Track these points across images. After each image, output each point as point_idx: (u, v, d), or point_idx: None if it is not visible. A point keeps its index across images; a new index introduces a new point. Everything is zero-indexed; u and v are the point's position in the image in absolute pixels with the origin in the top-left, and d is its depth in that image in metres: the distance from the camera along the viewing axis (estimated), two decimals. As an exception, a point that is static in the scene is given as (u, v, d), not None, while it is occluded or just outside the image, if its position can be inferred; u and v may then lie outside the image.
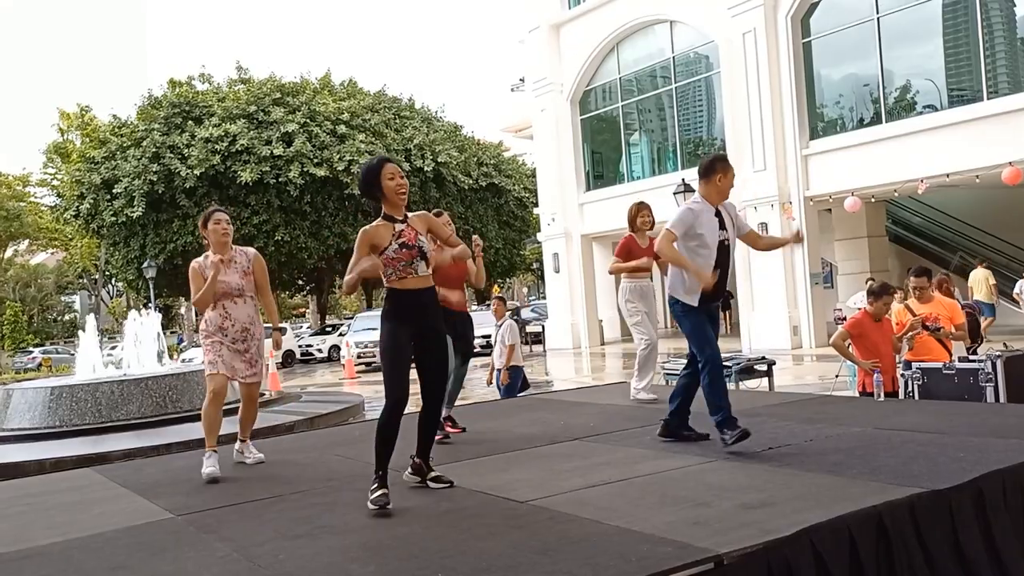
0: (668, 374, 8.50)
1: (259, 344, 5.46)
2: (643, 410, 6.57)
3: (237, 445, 5.59)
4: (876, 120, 17.93)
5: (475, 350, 6.54)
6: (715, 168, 4.96)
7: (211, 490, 4.85)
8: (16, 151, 79.68)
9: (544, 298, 31.62)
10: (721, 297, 5.08)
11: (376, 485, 4.02)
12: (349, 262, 4.18)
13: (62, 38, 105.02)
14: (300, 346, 30.41)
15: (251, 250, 5.57)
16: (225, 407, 5.55)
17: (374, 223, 4.23)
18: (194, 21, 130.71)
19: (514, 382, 8.89)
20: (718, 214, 4.94)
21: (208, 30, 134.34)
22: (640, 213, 6.97)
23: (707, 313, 4.99)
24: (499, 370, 8.85)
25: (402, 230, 4.17)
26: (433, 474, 4.36)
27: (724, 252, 4.93)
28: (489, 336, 26.13)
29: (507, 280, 50.79)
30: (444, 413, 6.12)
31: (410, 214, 4.29)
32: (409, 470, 4.37)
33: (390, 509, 3.93)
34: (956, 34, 16.73)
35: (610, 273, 7.37)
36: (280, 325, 5.78)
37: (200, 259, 5.39)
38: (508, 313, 9.09)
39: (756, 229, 19.29)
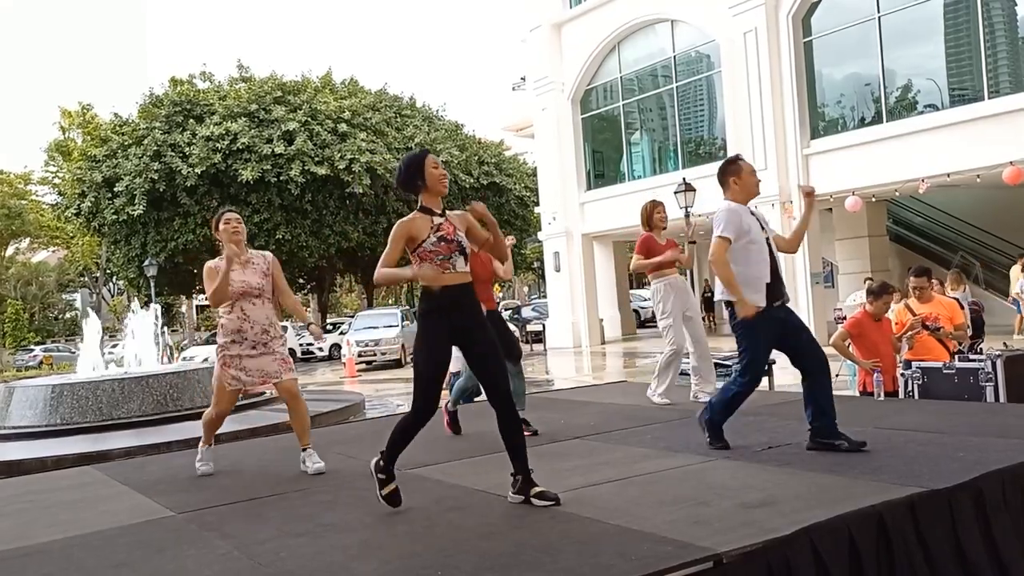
0: (683, 373, 8.48)
1: (283, 342, 5.35)
2: (644, 409, 6.57)
3: (302, 455, 5.22)
4: (877, 119, 17.92)
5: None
6: (726, 172, 4.87)
7: (212, 488, 4.85)
8: (17, 149, 79.71)
9: (545, 297, 31.61)
10: (783, 297, 4.79)
11: (385, 477, 3.92)
12: (382, 254, 3.98)
13: (62, 36, 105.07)
14: (301, 345, 30.41)
15: (268, 253, 5.51)
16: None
17: (410, 216, 4.02)
18: (195, 20, 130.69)
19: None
20: (753, 214, 4.84)
21: (209, 28, 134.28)
22: (656, 210, 6.77)
23: (775, 321, 4.69)
24: (454, 374, 8.57)
25: (440, 223, 3.99)
26: (536, 490, 3.87)
27: (772, 252, 4.78)
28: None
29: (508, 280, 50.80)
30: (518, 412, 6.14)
31: (449, 212, 4.09)
32: (511, 490, 3.93)
33: (400, 506, 3.91)
34: (957, 33, 16.72)
35: (632, 272, 7.10)
36: (310, 320, 5.64)
37: (216, 260, 5.27)
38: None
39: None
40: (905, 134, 17.01)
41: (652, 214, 6.80)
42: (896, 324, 6.84)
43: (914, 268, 7.20)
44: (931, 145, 16.47)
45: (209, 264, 5.29)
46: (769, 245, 4.81)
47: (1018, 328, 17.04)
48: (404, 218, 4.04)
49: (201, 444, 5.31)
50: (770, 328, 4.67)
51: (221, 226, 5.26)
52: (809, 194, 5.03)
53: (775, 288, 4.73)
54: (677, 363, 6.85)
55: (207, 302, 5.42)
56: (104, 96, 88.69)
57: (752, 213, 4.84)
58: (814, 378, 4.69)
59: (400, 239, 3.95)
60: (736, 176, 4.83)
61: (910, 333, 6.73)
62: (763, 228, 4.83)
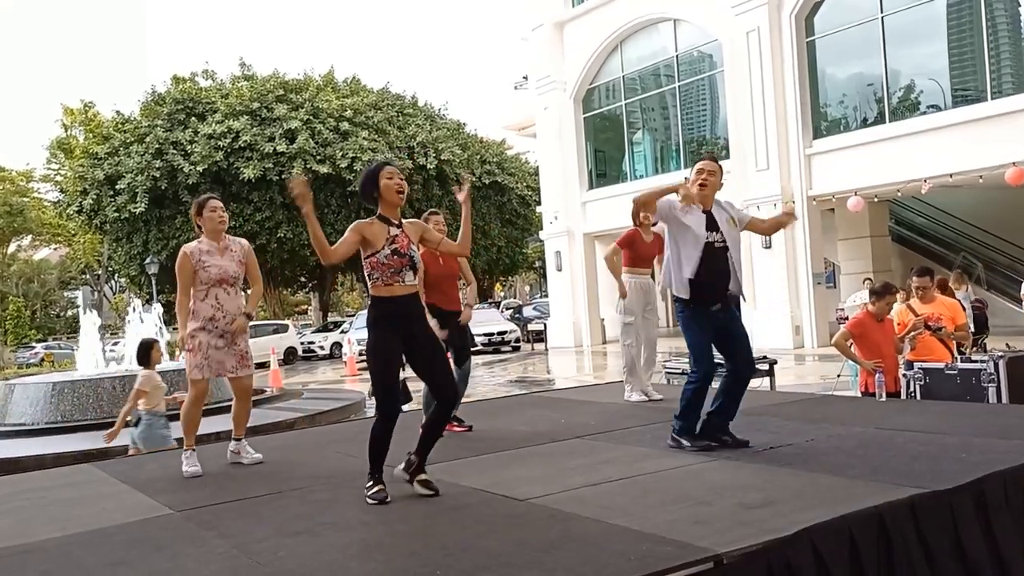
0: (669, 373, 8.48)
1: (247, 337, 5.32)
2: (644, 409, 6.56)
3: (232, 445, 5.43)
4: (880, 120, 17.90)
5: (475, 346, 6.49)
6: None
7: (211, 486, 4.84)
8: (19, 146, 79.82)
9: (546, 296, 31.61)
10: (721, 300, 4.87)
11: (372, 482, 4.08)
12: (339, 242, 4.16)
13: (64, 34, 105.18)
14: (302, 343, 30.43)
15: (243, 240, 5.46)
16: (205, 407, 5.48)
17: (370, 220, 4.19)
18: (196, 18, 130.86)
19: None
20: (708, 214, 4.86)
21: (211, 27, 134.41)
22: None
23: (713, 319, 4.83)
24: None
25: (396, 235, 4.14)
26: (423, 476, 4.17)
27: (712, 254, 4.80)
28: (492, 334, 26.33)
29: (509, 278, 50.82)
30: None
31: (404, 221, 4.27)
32: (402, 465, 4.22)
33: (389, 502, 3.98)
34: (960, 34, 16.70)
35: (606, 259, 7.10)
36: (249, 312, 5.33)
37: (193, 244, 5.22)
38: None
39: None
40: (908, 134, 17.00)
41: (639, 212, 6.82)
42: (898, 325, 6.83)
43: (916, 268, 7.19)
44: (934, 145, 16.45)
45: (186, 248, 5.20)
46: (714, 249, 4.80)
47: None
48: (364, 220, 4.18)
49: (186, 446, 5.27)
50: (707, 323, 4.84)
51: (206, 213, 5.22)
52: (790, 217, 5.41)
53: (713, 295, 4.83)
54: (638, 365, 6.98)
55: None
56: (105, 93, 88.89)
57: (708, 213, 4.85)
58: (736, 377, 4.90)
59: (355, 234, 4.11)
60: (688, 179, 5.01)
61: (912, 334, 6.72)
62: (714, 230, 4.82)
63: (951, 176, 16.40)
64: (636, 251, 6.79)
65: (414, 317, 4.19)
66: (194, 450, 5.22)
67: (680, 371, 8.01)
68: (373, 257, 4.08)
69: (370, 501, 4.01)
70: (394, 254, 4.09)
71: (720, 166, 5.04)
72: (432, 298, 5.81)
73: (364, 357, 4.20)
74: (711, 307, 4.85)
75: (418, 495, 4.12)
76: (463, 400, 6.42)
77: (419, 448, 4.22)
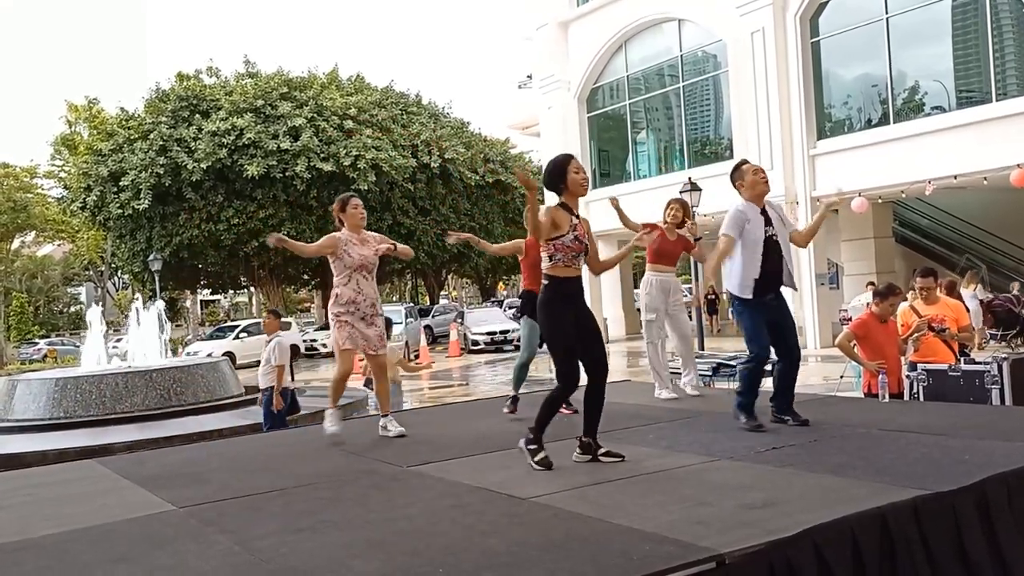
0: (673, 372, 8.47)
1: (381, 322, 5.91)
2: (647, 409, 6.55)
3: (381, 420, 5.91)
4: (884, 121, 17.88)
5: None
6: (732, 177, 5.45)
7: (213, 483, 4.85)
8: (23, 143, 79.93)
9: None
10: (775, 289, 5.29)
11: (535, 447, 4.49)
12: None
13: (67, 31, 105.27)
14: (305, 341, 30.42)
15: (376, 234, 6.03)
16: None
17: (553, 206, 4.56)
18: (201, 14, 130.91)
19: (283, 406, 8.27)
20: (763, 213, 5.29)
21: (216, 24, 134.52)
22: (668, 208, 6.91)
23: (766, 306, 5.24)
24: (264, 391, 8.15)
25: (577, 223, 4.54)
26: (603, 449, 4.54)
27: (774, 248, 5.23)
28: (494, 332, 26.30)
29: (512, 277, 50.78)
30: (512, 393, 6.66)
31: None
32: (578, 450, 4.56)
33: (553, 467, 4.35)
34: (965, 35, 16.67)
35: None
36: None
37: (341, 232, 5.81)
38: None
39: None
40: (912, 136, 16.97)
41: (665, 211, 6.93)
42: (902, 326, 6.81)
43: (919, 270, 7.17)
44: (938, 147, 16.42)
45: (335, 234, 5.81)
46: (774, 244, 5.27)
47: None
48: (551, 205, 4.61)
49: (331, 405, 5.85)
50: (760, 311, 5.26)
51: (349, 209, 5.81)
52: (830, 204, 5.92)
53: (767, 283, 5.23)
54: (664, 357, 7.06)
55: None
56: (109, 90, 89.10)
57: (764, 212, 5.30)
58: (785, 362, 5.36)
59: (548, 217, 4.49)
60: (739, 179, 5.40)
61: (916, 335, 6.70)
62: (770, 225, 5.27)
63: (955, 178, 16.37)
64: (660, 248, 6.71)
65: (581, 298, 4.61)
66: (338, 408, 5.87)
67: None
68: (559, 240, 4.46)
69: (537, 467, 4.38)
70: (575, 240, 4.49)
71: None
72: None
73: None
74: (765, 296, 5.24)
75: (415, 493, 4.10)
76: (462, 399, 6.42)
77: (586, 428, 4.57)
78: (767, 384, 5.56)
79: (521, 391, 6.74)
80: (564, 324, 4.45)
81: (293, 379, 8.85)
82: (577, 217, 4.60)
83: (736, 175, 5.41)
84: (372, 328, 5.78)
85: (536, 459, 4.44)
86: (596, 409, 4.57)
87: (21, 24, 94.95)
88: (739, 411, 5.30)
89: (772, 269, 5.22)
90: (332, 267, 5.74)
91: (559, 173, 4.59)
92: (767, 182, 5.37)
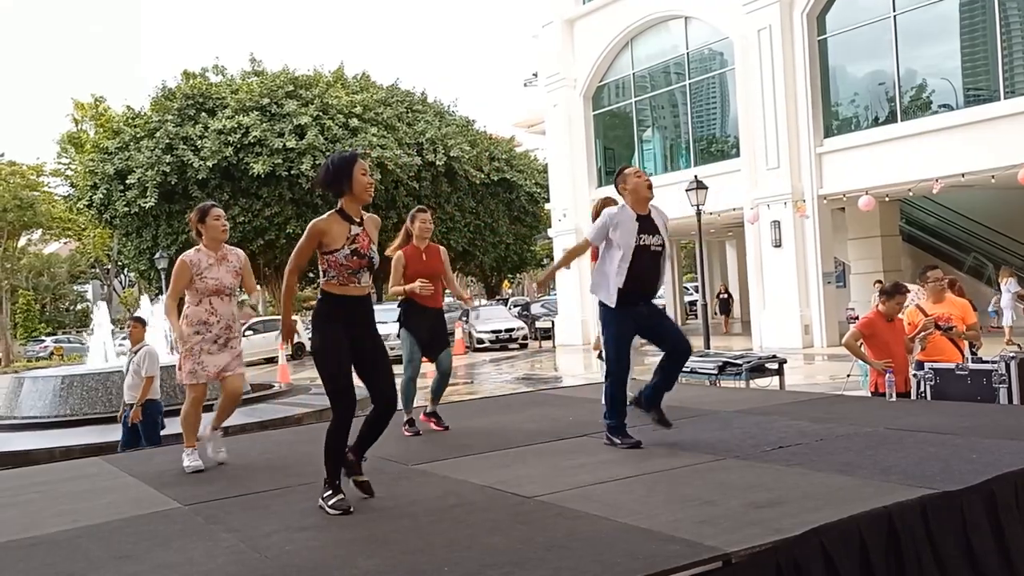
0: (695, 373, 8.46)
1: (239, 340, 5.41)
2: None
3: (207, 432, 5.30)
4: (891, 119, 17.81)
5: (450, 344, 6.43)
6: (615, 181, 5.24)
7: (219, 481, 4.85)
8: (30, 141, 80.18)
9: (554, 294, 31.60)
10: (644, 299, 5.07)
11: (331, 492, 3.89)
12: (297, 247, 4.05)
13: (70, 29, 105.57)
14: (309, 339, 30.42)
15: (240, 251, 5.50)
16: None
17: (326, 216, 4.01)
18: (206, 12, 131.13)
19: (152, 418, 7.49)
20: (644, 219, 5.05)
21: (222, 22, 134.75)
22: (606, 206, 6.79)
23: (634, 318, 5.02)
24: (130, 406, 7.51)
25: (357, 234, 4.00)
26: (361, 478, 4.08)
27: (648, 257, 5.00)
28: (500, 331, 26.28)
29: (517, 275, 50.81)
30: (428, 408, 6.21)
31: (365, 216, 4.11)
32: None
33: (352, 512, 3.82)
34: (973, 33, 16.59)
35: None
36: (251, 297, 5.52)
37: (192, 253, 5.27)
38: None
39: (770, 229, 19.23)
40: (919, 134, 16.90)
41: (602, 210, 6.75)
42: (908, 325, 6.78)
43: (924, 268, 7.15)
44: (945, 145, 16.36)
45: (184, 257, 5.25)
46: (642, 252, 4.98)
47: None
48: (321, 217, 4.02)
49: (187, 445, 5.21)
50: (625, 322, 5.04)
51: (209, 221, 5.27)
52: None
53: (634, 293, 4.99)
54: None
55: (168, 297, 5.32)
56: (112, 88, 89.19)
57: (646, 218, 5.05)
58: (670, 357, 5.09)
59: (314, 238, 3.97)
60: (623, 183, 5.16)
61: (923, 334, 6.67)
62: (644, 234, 4.98)
63: (963, 176, 16.30)
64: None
65: (365, 320, 4.09)
66: (195, 448, 5.20)
67: (689, 370, 8.00)
68: (332, 256, 3.95)
69: (333, 511, 3.82)
70: (353, 254, 3.96)
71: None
72: (414, 295, 5.80)
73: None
74: (632, 307, 5.02)
75: (418, 492, 4.10)
76: (466, 397, 6.41)
77: (357, 443, 4.08)
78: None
79: (529, 389, 6.69)
80: (336, 349, 3.94)
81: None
82: (361, 224, 4.04)
83: (619, 179, 5.19)
84: (228, 349, 5.25)
85: (331, 503, 3.86)
86: (373, 433, 4.08)
87: (25, 22, 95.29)
88: (611, 435, 5.02)
89: (643, 278, 4.98)
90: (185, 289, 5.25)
91: (344, 173, 3.99)
92: (650, 187, 5.13)
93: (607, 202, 6.73)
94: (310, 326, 4.50)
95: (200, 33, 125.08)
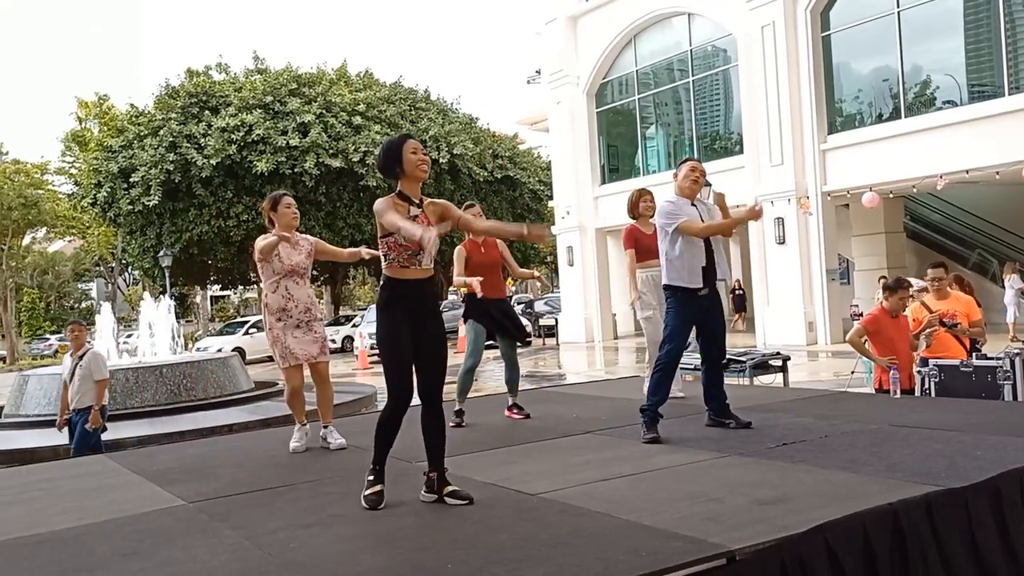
0: (682, 367, 8.43)
1: (322, 324, 5.66)
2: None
3: (321, 431, 5.66)
4: (895, 115, 17.76)
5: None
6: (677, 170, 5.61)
7: (223, 478, 4.86)
8: (34, 139, 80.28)
9: (558, 291, 31.59)
10: (711, 284, 5.30)
11: (372, 479, 3.93)
12: (386, 221, 3.82)
13: (72, 27, 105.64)
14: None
15: (309, 236, 5.79)
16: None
17: (388, 198, 3.94)
18: (211, 10, 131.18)
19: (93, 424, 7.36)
20: (695, 206, 5.39)
21: (224, 20, 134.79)
22: (642, 199, 6.73)
23: (699, 305, 5.23)
24: (75, 411, 7.34)
25: (416, 216, 3.89)
26: (449, 488, 3.91)
27: (708, 242, 5.29)
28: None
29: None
30: (509, 402, 6.46)
31: (426, 200, 4.01)
32: (423, 488, 3.97)
33: (382, 509, 3.83)
34: (977, 29, 16.54)
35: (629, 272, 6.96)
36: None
37: (267, 235, 5.47)
38: (89, 344, 7.69)
39: (774, 226, 19.21)
40: (923, 130, 16.86)
41: (638, 203, 6.75)
42: (912, 322, 6.77)
43: (930, 264, 7.14)
44: (950, 141, 16.31)
45: (263, 237, 5.46)
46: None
47: None
48: (385, 197, 3.96)
49: (298, 422, 5.65)
50: (691, 307, 5.26)
51: (280, 208, 5.50)
52: (755, 216, 5.62)
53: (708, 274, 5.28)
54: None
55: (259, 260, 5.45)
56: (118, 87, 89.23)
57: (694, 205, 5.40)
58: (712, 364, 5.41)
59: (390, 210, 3.84)
60: (678, 174, 5.53)
61: (928, 331, 6.66)
62: (700, 219, 5.30)
63: (967, 172, 16.25)
64: (640, 245, 6.64)
65: (428, 303, 3.99)
66: (304, 424, 5.60)
67: (693, 367, 7.96)
68: (391, 237, 3.85)
69: (364, 504, 3.86)
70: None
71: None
72: (472, 289, 5.89)
73: (376, 349, 4.00)
74: (701, 291, 5.25)
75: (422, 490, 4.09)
76: (469, 395, 6.42)
77: (430, 461, 3.97)
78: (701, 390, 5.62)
79: (533, 387, 6.73)
80: (396, 333, 3.87)
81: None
82: (420, 206, 3.96)
83: (677, 170, 5.60)
84: (311, 334, 5.48)
85: (366, 492, 3.90)
86: (436, 440, 3.95)
87: (26, 22, 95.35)
88: (642, 420, 5.08)
89: (708, 263, 5.29)
90: (260, 272, 5.51)
91: (394, 156, 3.92)
92: (698, 178, 5.51)
93: (642, 193, 6.81)
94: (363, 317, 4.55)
95: (200, 33, 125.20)
